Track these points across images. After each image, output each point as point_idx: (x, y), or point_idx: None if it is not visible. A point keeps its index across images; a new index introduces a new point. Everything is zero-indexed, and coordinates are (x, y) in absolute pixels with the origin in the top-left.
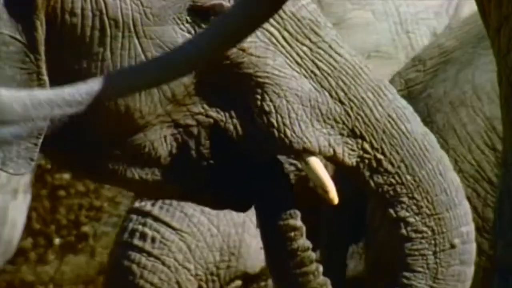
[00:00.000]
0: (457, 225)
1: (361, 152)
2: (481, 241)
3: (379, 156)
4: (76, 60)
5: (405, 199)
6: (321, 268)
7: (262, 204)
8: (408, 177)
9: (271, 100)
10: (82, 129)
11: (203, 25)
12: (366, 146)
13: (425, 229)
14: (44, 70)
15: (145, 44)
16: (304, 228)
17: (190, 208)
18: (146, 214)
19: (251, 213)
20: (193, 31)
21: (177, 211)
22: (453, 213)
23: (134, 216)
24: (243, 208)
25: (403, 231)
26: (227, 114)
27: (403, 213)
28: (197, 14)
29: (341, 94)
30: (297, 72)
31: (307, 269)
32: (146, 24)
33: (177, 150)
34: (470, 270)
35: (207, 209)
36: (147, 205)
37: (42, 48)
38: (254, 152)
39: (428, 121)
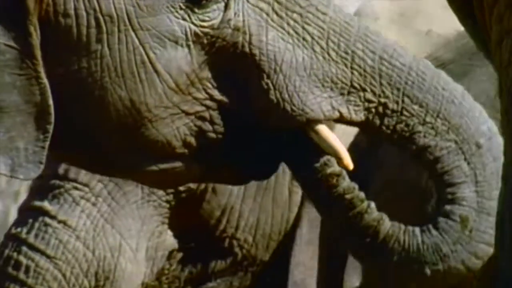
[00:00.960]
0: (477, 126)
1: (366, 104)
2: None
3: (383, 100)
4: (75, 60)
5: (419, 128)
6: (373, 204)
7: (294, 165)
8: (415, 107)
9: (268, 77)
10: (91, 127)
11: (196, 10)
12: (369, 96)
13: (448, 144)
14: (42, 74)
15: (142, 36)
16: (344, 172)
17: (66, 234)
18: (22, 241)
19: (127, 235)
20: (187, 17)
21: (52, 238)
22: (467, 117)
23: (10, 243)
24: (266, 175)
25: (429, 156)
26: (231, 96)
27: (422, 141)
28: None
29: (333, 54)
30: (290, 43)
31: (359, 209)
32: (141, 16)
33: (191, 137)
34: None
35: (83, 234)
36: (22, 232)
37: (38, 53)
38: (265, 126)
39: None
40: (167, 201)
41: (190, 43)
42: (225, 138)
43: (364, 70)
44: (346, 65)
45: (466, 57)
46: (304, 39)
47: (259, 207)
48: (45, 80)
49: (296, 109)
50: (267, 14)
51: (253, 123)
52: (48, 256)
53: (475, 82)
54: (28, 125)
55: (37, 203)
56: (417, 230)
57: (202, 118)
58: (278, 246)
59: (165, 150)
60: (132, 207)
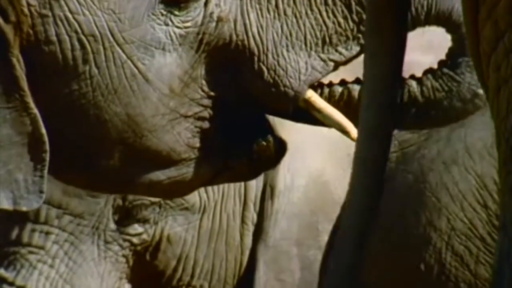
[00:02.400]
0: None
1: (349, 34)
2: None
3: (356, 17)
4: (65, 84)
5: None
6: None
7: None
8: None
9: (259, 60)
10: (92, 146)
11: (177, 13)
12: (345, 24)
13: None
14: (31, 104)
15: (128, 49)
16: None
17: None
18: None
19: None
20: (170, 22)
21: None
22: None
23: None
24: (276, 162)
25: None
26: (227, 88)
27: None
28: (169, 3)
29: (302, 9)
30: (268, 18)
31: None
32: (124, 30)
33: (194, 138)
34: None
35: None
36: None
37: (24, 83)
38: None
39: (421, 180)
40: (124, 256)
41: (177, 46)
42: (229, 132)
43: (326, 4)
44: (313, 11)
45: None
46: (277, 7)
47: (213, 252)
48: (35, 110)
49: (294, 82)
50: None
51: (255, 110)
52: None
53: (471, 129)
54: (24, 156)
55: None
56: (436, 85)
57: (202, 118)
58: None
59: (171, 157)
60: (90, 264)
